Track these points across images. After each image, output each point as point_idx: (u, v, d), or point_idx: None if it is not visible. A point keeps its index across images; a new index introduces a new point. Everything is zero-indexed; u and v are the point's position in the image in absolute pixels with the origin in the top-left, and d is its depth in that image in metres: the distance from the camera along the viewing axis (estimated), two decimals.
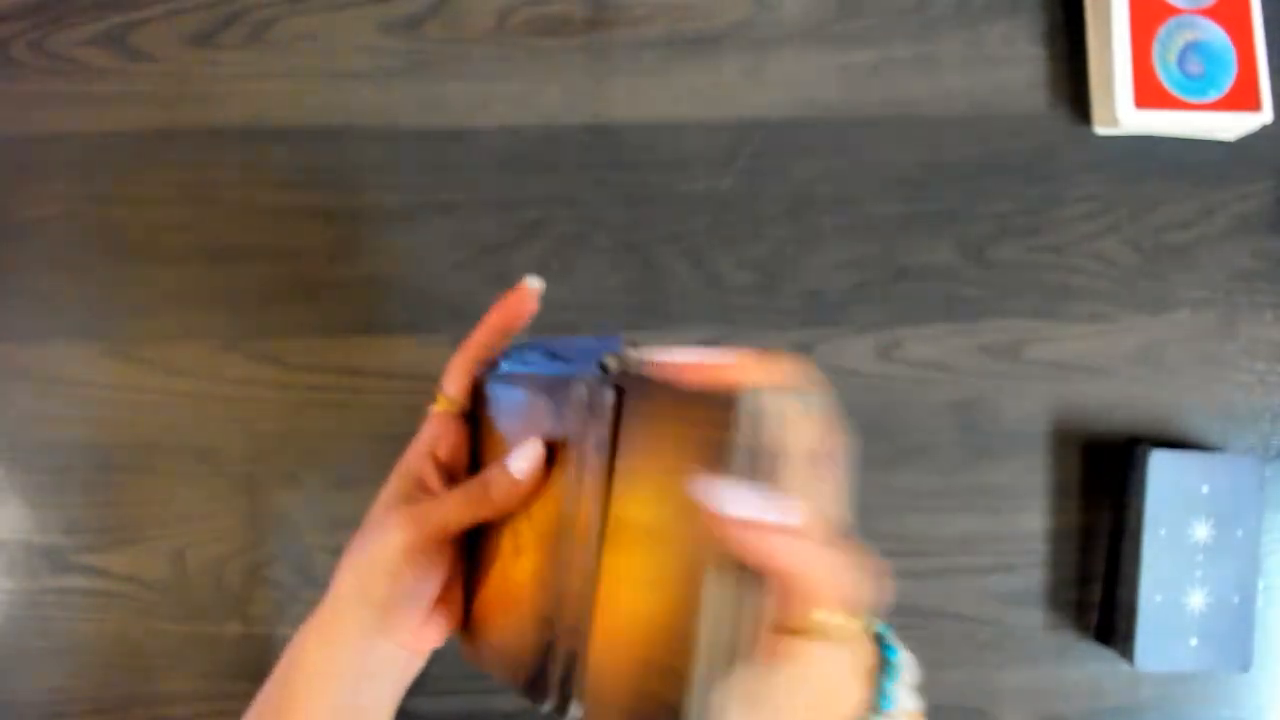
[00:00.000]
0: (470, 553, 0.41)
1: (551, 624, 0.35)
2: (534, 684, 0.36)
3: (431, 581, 0.39)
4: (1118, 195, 0.57)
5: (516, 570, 0.38)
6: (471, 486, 0.38)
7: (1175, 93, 0.55)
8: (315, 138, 0.56)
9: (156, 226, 0.56)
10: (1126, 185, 0.57)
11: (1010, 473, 0.56)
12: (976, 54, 0.58)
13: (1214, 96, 0.55)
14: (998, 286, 0.57)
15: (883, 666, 0.34)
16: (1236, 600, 0.53)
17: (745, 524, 0.28)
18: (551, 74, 0.57)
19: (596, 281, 0.56)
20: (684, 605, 0.30)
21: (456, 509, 0.38)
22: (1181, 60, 0.56)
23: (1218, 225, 0.57)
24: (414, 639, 0.39)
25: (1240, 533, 0.53)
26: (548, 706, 0.35)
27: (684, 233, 0.56)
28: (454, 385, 0.41)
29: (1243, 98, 0.55)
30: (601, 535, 0.34)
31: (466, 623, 0.41)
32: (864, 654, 0.33)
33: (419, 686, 0.47)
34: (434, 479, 0.41)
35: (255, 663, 0.54)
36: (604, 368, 0.36)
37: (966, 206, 0.57)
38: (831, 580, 0.29)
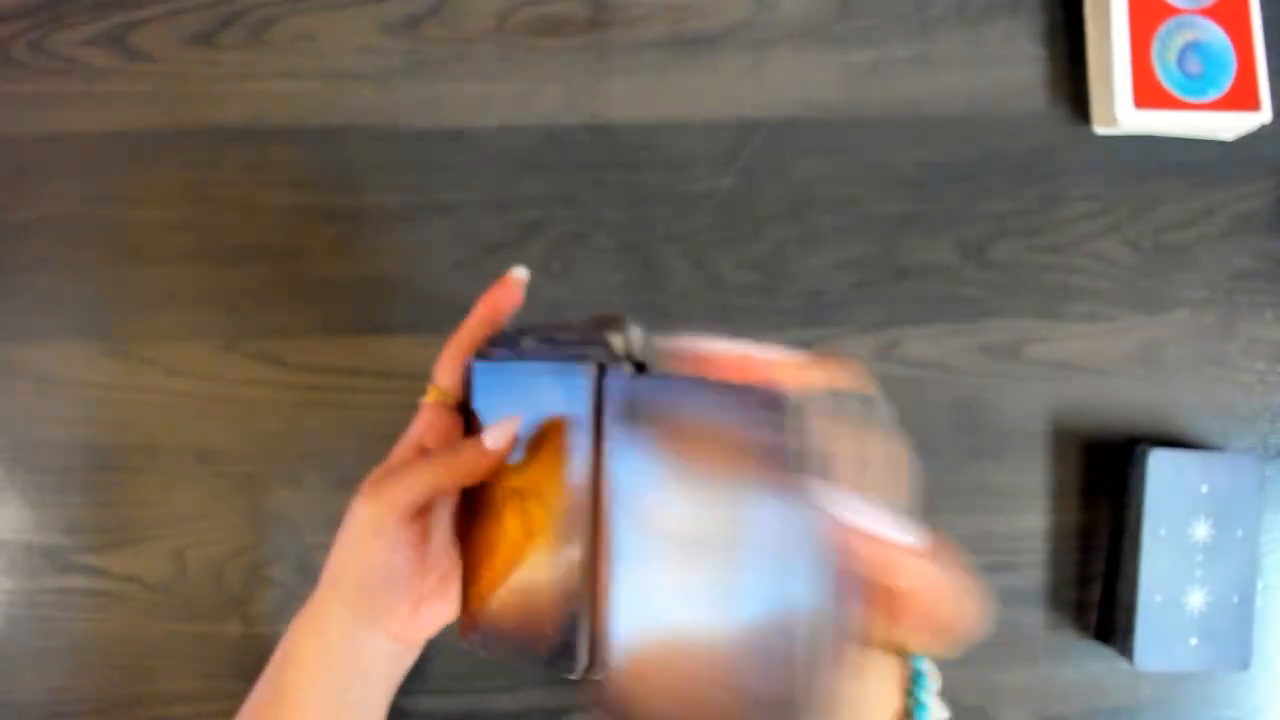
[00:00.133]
0: (466, 543, 0.41)
1: (577, 598, 0.36)
2: (561, 652, 0.36)
3: (400, 558, 0.38)
4: (1118, 195, 0.57)
5: (530, 551, 0.38)
6: (434, 456, 0.38)
7: (1175, 92, 0.55)
8: (315, 138, 0.56)
9: (156, 226, 0.56)
10: (1126, 185, 0.57)
11: (1010, 473, 0.56)
12: (976, 54, 0.58)
13: (1213, 96, 0.55)
14: (998, 286, 0.57)
15: (913, 676, 0.33)
16: (1236, 600, 0.53)
17: (874, 539, 0.27)
18: (551, 74, 0.57)
19: (596, 281, 0.56)
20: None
21: (417, 477, 0.38)
22: (1181, 60, 0.56)
23: (1218, 225, 0.57)
24: (404, 630, 0.39)
25: (1240, 532, 0.53)
26: (575, 672, 0.36)
27: (684, 233, 0.56)
28: (445, 376, 0.42)
29: (1242, 98, 0.55)
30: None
31: (465, 607, 0.41)
32: (896, 662, 0.33)
33: (419, 685, 0.47)
34: None
35: (255, 663, 0.53)
36: (608, 347, 0.36)
37: (966, 206, 0.57)
38: (939, 600, 0.28)
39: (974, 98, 0.58)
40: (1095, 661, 0.55)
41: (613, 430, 0.35)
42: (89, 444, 0.54)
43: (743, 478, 0.28)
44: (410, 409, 0.42)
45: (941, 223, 0.57)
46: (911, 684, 0.33)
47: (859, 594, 0.27)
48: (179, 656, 0.54)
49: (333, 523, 0.54)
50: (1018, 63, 0.58)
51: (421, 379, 0.55)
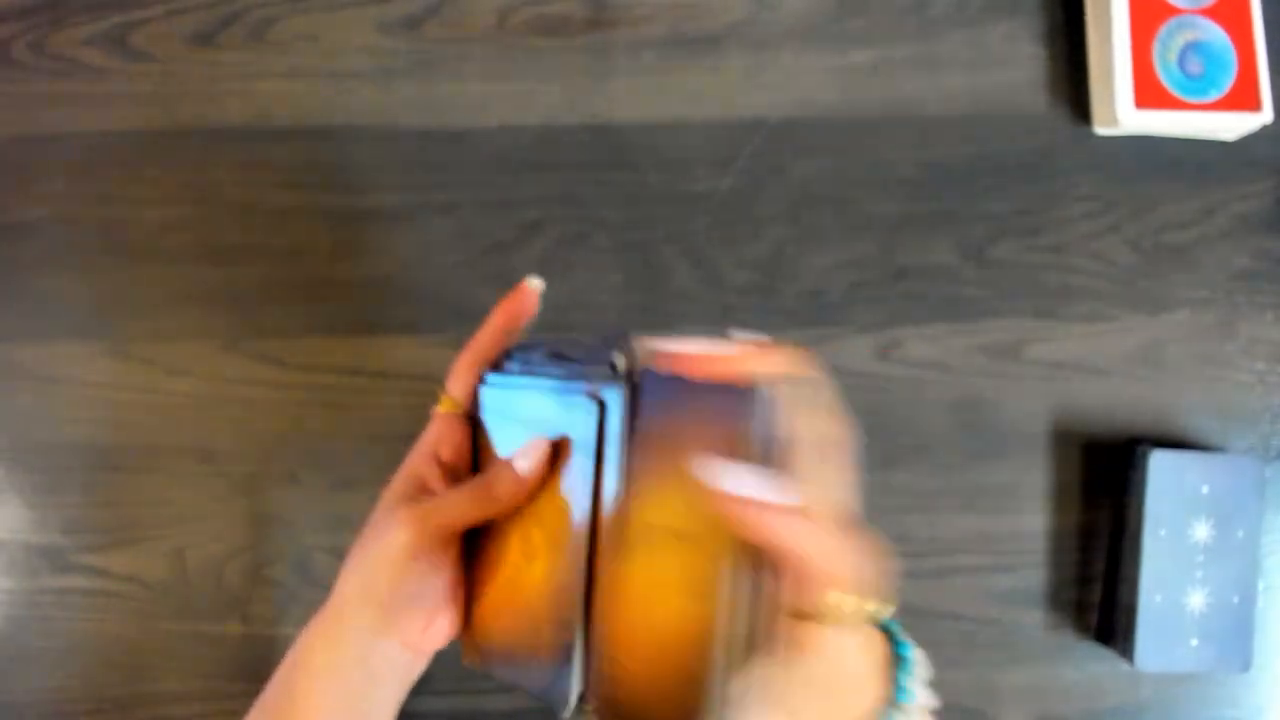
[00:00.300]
0: (470, 557, 0.41)
1: (570, 628, 0.35)
2: (550, 689, 0.36)
3: (435, 581, 0.39)
4: (1118, 195, 0.57)
5: (529, 575, 0.38)
6: (476, 484, 0.38)
7: (1175, 93, 0.55)
8: (315, 138, 0.56)
9: (156, 226, 0.56)
10: (1126, 185, 0.57)
11: (1010, 473, 0.56)
12: (976, 54, 0.58)
13: (1214, 96, 0.55)
14: (998, 286, 0.57)
15: (896, 661, 0.34)
16: (1236, 600, 0.53)
17: (745, 502, 0.28)
18: (551, 74, 0.57)
19: (596, 281, 0.56)
20: (700, 601, 0.30)
21: (460, 507, 0.38)
22: (1181, 60, 0.56)
23: (1218, 225, 0.57)
24: (419, 640, 0.40)
25: (1240, 533, 0.53)
26: (564, 710, 0.36)
27: (684, 233, 0.56)
28: (458, 386, 0.41)
29: (1243, 98, 0.55)
30: (619, 536, 0.34)
31: (468, 626, 0.41)
32: (878, 646, 0.34)
33: (419, 685, 0.47)
34: (436, 480, 0.41)
35: (255, 663, 0.54)
36: (613, 367, 0.36)
37: (966, 206, 0.57)
38: (839, 561, 0.30)
39: (974, 98, 0.58)
40: (1095, 662, 0.55)
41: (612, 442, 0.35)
42: (89, 444, 0.54)
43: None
44: (410, 409, 0.42)
45: (941, 223, 0.57)
46: (895, 669, 0.33)
47: (770, 568, 0.29)
48: (179, 656, 0.54)
49: (333, 523, 0.55)
50: (1018, 63, 0.58)
51: (422, 379, 0.55)
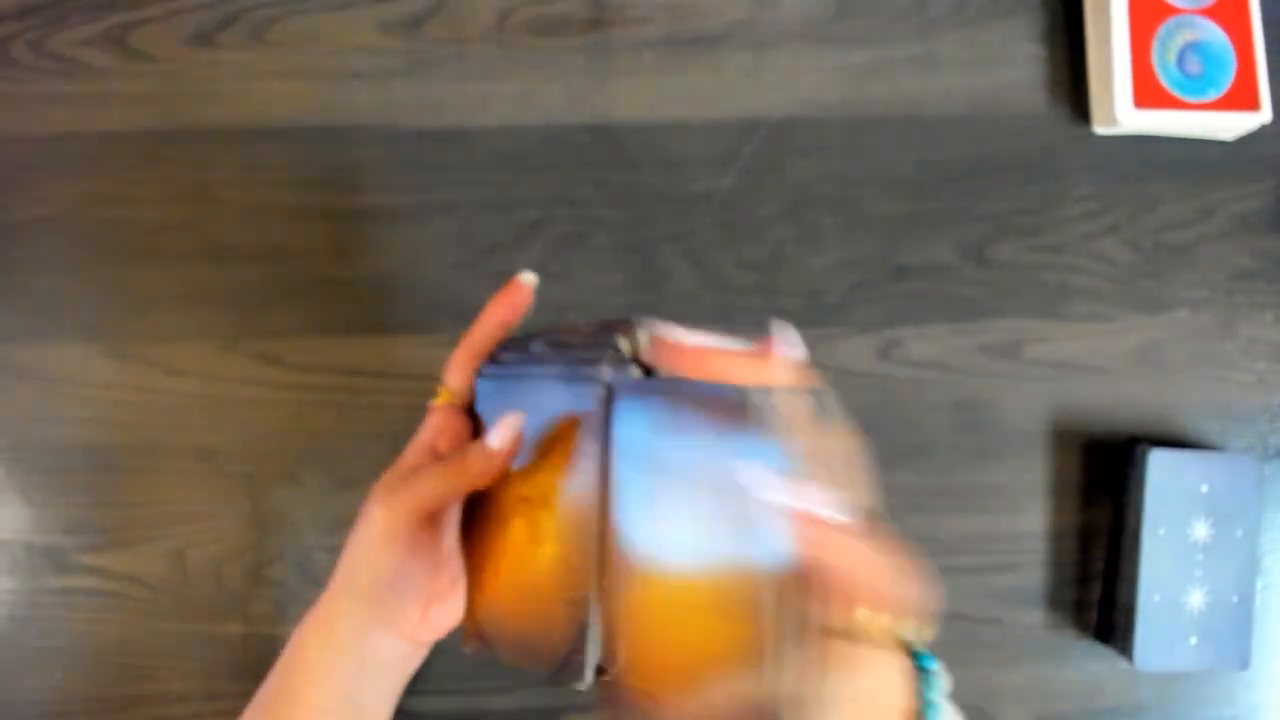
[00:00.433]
0: (470, 547, 0.41)
1: (584, 606, 0.36)
2: (565, 666, 0.36)
3: (415, 563, 0.39)
4: (1117, 195, 0.57)
5: (537, 558, 0.38)
6: (446, 461, 0.39)
7: (1175, 92, 0.55)
8: (315, 138, 0.56)
9: (156, 226, 0.56)
10: (1126, 185, 0.57)
11: (1010, 472, 0.56)
12: (976, 54, 0.58)
13: (1213, 96, 0.55)
14: (998, 286, 0.57)
15: (921, 676, 0.33)
16: (1235, 599, 0.53)
17: (809, 518, 0.28)
18: (551, 74, 0.57)
19: (596, 281, 0.56)
20: (734, 623, 0.30)
21: (431, 483, 0.38)
22: (1181, 60, 0.56)
23: (1218, 225, 0.57)
24: (414, 631, 0.39)
25: (1239, 532, 0.53)
26: (581, 685, 0.36)
27: (684, 233, 0.56)
28: (455, 379, 0.42)
29: (1242, 97, 0.55)
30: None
31: (470, 612, 0.41)
32: (906, 664, 0.33)
33: (419, 685, 0.47)
34: None
35: (255, 663, 0.53)
36: (617, 350, 0.36)
37: (966, 206, 0.57)
38: (874, 578, 0.30)
39: (974, 98, 0.58)
40: (1095, 661, 0.55)
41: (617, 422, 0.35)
42: (89, 444, 0.54)
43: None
44: (410, 409, 0.42)
45: (941, 223, 0.57)
46: (920, 683, 0.33)
47: (804, 582, 0.29)
48: (179, 656, 0.54)
49: (333, 523, 0.55)
50: (1018, 63, 0.58)
51: (422, 379, 0.55)
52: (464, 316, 0.44)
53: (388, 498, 0.38)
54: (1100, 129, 0.57)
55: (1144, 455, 0.53)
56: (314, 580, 0.54)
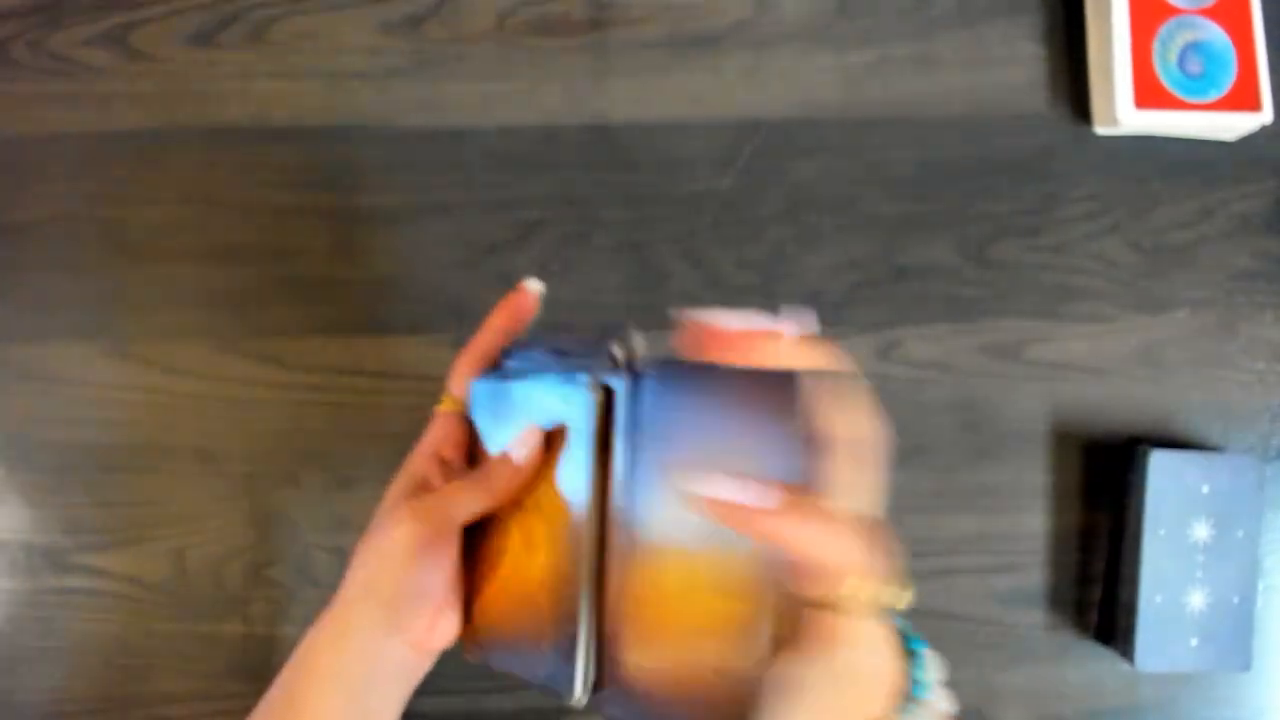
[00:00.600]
0: (469, 552, 0.41)
1: (574, 617, 0.35)
2: (555, 677, 0.36)
3: (438, 577, 0.39)
4: (1118, 195, 0.57)
5: (531, 566, 0.38)
6: (474, 477, 0.39)
7: (1175, 92, 0.55)
8: (315, 138, 0.56)
9: (156, 226, 0.56)
10: (1126, 185, 0.57)
11: (1010, 473, 0.56)
12: (976, 54, 0.58)
13: (1214, 96, 0.55)
14: (998, 286, 0.57)
15: (909, 656, 0.34)
16: (1236, 600, 0.53)
17: (730, 506, 0.29)
18: (551, 74, 0.57)
19: (596, 281, 0.56)
20: (732, 600, 0.30)
21: (460, 499, 0.38)
22: (1181, 60, 0.56)
23: (1218, 225, 0.57)
24: (425, 638, 0.40)
25: (1240, 533, 0.53)
26: (569, 699, 0.36)
27: (684, 233, 0.56)
28: (459, 385, 0.42)
29: (1243, 98, 0.55)
30: (637, 531, 0.34)
31: (469, 619, 0.41)
32: (893, 641, 0.34)
33: (422, 685, 0.46)
34: (439, 479, 0.41)
35: (255, 663, 0.54)
36: (612, 358, 0.36)
37: (966, 206, 0.57)
38: (847, 551, 0.30)
39: (974, 98, 0.58)
40: (1095, 662, 0.55)
41: (625, 427, 0.35)
42: (89, 444, 0.54)
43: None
44: (410, 409, 0.42)
45: (941, 223, 0.57)
46: (909, 664, 0.34)
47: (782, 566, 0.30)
48: (179, 656, 0.54)
49: (333, 523, 0.55)
50: (1018, 63, 0.58)
51: (422, 379, 0.55)
52: (464, 317, 0.44)
53: (416, 514, 0.38)
54: (1101, 129, 0.57)
55: (1145, 456, 0.53)
56: (313, 580, 0.54)
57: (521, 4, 0.57)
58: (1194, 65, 0.56)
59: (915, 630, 0.36)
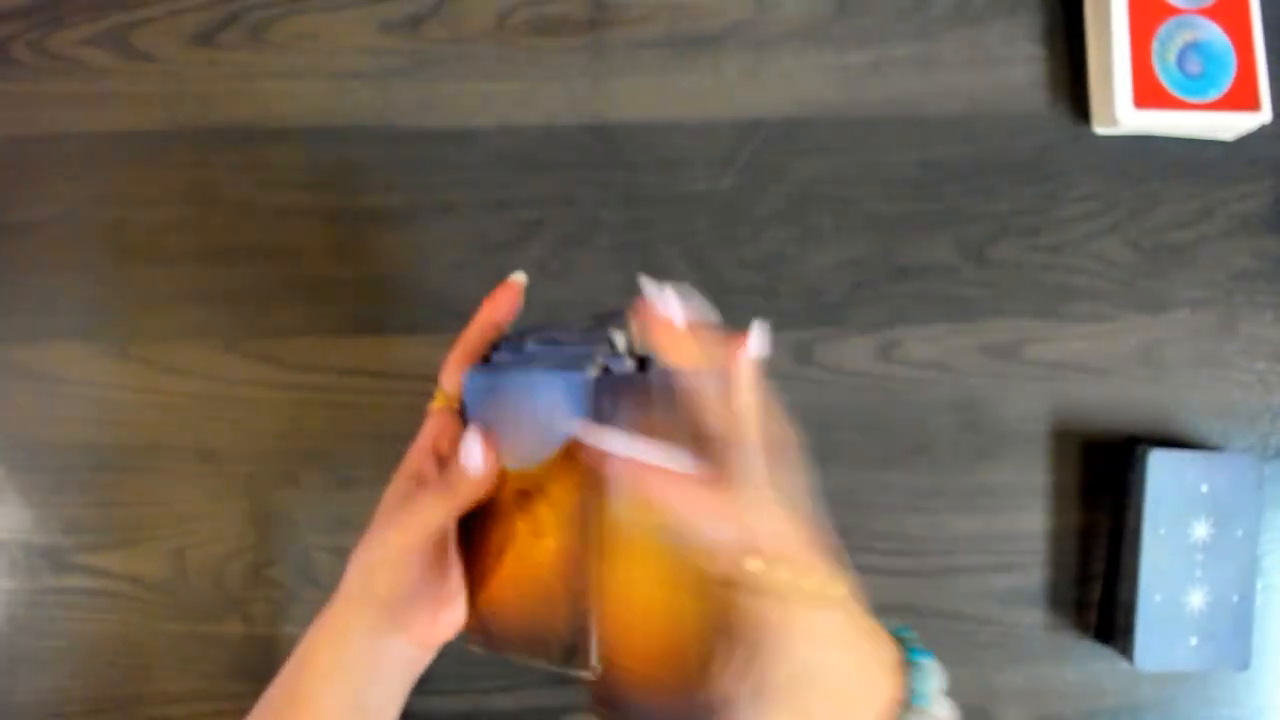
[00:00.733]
0: (470, 545, 0.41)
1: (585, 597, 0.36)
2: (572, 655, 0.37)
3: (433, 576, 0.39)
4: (1117, 195, 0.57)
5: (538, 552, 0.39)
6: (439, 483, 0.39)
7: (1175, 92, 0.55)
8: (315, 138, 0.56)
9: (156, 226, 0.56)
10: (1126, 185, 0.57)
11: (1010, 473, 0.56)
12: (976, 54, 0.58)
13: (1213, 96, 0.55)
14: (998, 286, 0.57)
15: (910, 668, 0.34)
16: (1236, 599, 0.53)
17: (630, 464, 0.32)
18: (551, 74, 0.57)
19: (596, 281, 0.56)
20: (674, 591, 0.32)
21: (430, 509, 0.39)
22: (1181, 60, 0.56)
23: (1218, 225, 0.57)
24: (427, 634, 0.40)
25: (1239, 532, 0.53)
26: (588, 670, 0.37)
27: (684, 233, 0.56)
28: (451, 381, 0.42)
29: (1242, 97, 0.55)
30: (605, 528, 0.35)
31: (474, 610, 0.41)
32: (888, 651, 0.34)
33: (419, 685, 0.46)
34: (434, 475, 0.41)
35: (255, 663, 0.54)
36: (612, 344, 0.37)
37: (966, 206, 0.57)
38: (739, 529, 0.31)
39: (974, 98, 0.58)
40: (1095, 661, 0.55)
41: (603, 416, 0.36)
42: (89, 444, 0.54)
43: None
44: (410, 409, 0.42)
45: (941, 223, 0.57)
46: (907, 674, 0.34)
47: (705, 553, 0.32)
48: (179, 656, 0.54)
49: (333, 523, 0.55)
50: (1018, 63, 0.58)
51: (421, 379, 0.55)
52: (464, 317, 0.44)
53: (399, 523, 0.38)
54: (1100, 129, 0.57)
55: (1144, 455, 0.53)
56: (313, 580, 0.54)
57: (521, 4, 0.57)
58: (1193, 65, 0.56)
59: (918, 642, 0.37)
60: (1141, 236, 0.57)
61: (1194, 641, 0.52)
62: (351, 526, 0.44)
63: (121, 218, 0.56)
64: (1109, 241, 0.57)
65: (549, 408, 0.38)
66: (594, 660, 0.37)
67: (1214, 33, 0.56)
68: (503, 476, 0.40)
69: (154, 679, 0.54)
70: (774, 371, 0.43)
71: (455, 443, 0.42)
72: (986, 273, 0.57)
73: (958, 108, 0.57)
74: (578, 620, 0.37)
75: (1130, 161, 0.57)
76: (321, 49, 0.57)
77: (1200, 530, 0.53)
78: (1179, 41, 0.56)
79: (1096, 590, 0.55)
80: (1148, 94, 0.55)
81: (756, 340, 0.37)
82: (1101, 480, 0.56)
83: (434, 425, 0.42)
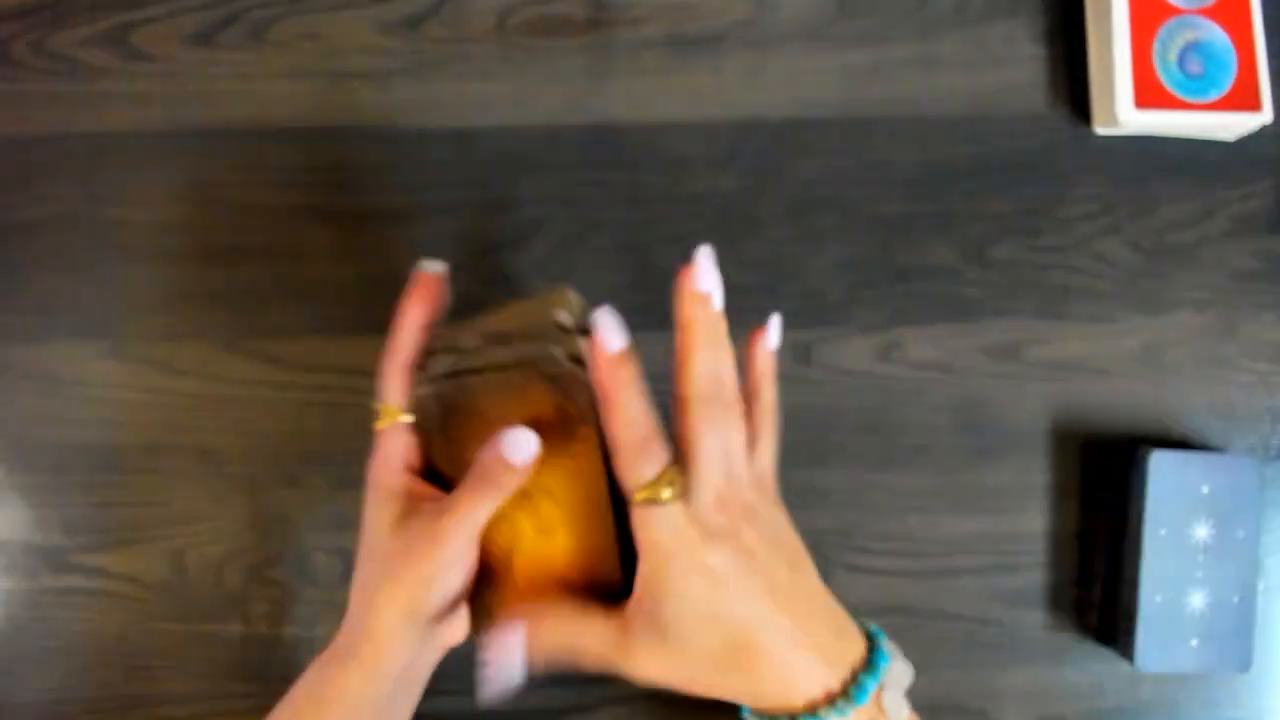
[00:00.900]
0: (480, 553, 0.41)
1: (614, 583, 0.38)
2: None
3: (464, 580, 0.40)
4: (1118, 195, 0.57)
5: (551, 547, 0.39)
6: (475, 484, 0.38)
7: (1175, 93, 0.55)
8: (315, 138, 0.56)
9: (156, 226, 0.56)
10: (1126, 185, 0.57)
11: (1010, 473, 0.56)
12: (976, 54, 0.58)
13: (1214, 96, 0.55)
14: (998, 286, 0.57)
15: (868, 665, 0.36)
16: (1237, 600, 0.53)
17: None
18: (551, 74, 0.57)
19: (596, 281, 0.56)
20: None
21: (475, 507, 0.38)
22: (1181, 60, 0.56)
23: (1218, 225, 0.57)
24: (451, 635, 0.40)
25: (1241, 533, 0.53)
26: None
27: (684, 233, 0.56)
28: (394, 395, 0.41)
29: (1243, 98, 0.55)
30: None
31: (486, 617, 0.41)
32: (853, 649, 0.37)
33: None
34: (422, 487, 0.41)
35: (255, 663, 0.53)
36: (561, 327, 0.37)
37: (966, 206, 0.57)
38: (612, 417, 0.35)
39: (974, 98, 0.58)
40: (1095, 662, 0.55)
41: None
42: (89, 444, 0.54)
43: None
44: None
45: (941, 223, 0.57)
46: (861, 670, 0.36)
47: None
48: (179, 656, 0.54)
49: (333, 523, 0.55)
50: (1018, 63, 0.58)
51: None
52: (464, 317, 0.44)
53: (442, 527, 0.38)
54: (1101, 129, 0.57)
55: (1145, 456, 0.53)
56: (314, 580, 0.54)
57: (521, 4, 0.57)
58: (1194, 65, 0.55)
59: (888, 643, 0.39)
60: (1142, 237, 0.57)
61: (1195, 643, 0.52)
62: (351, 526, 0.44)
63: (121, 218, 0.56)
64: (1110, 242, 0.57)
65: (540, 401, 0.38)
66: None
67: (1215, 33, 0.56)
68: None
69: (154, 679, 0.54)
70: (774, 371, 0.44)
71: (418, 456, 0.42)
72: (987, 273, 0.57)
73: (958, 108, 0.57)
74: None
75: (1131, 162, 0.57)
76: (321, 49, 0.57)
77: (1201, 531, 0.53)
78: (1180, 41, 0.56)
79: (1097, 591, 0.55)
80: (1148, 94, 0.55)
81: (774, 333, 0.41)
82: (1102, 481, 0.56)
83: (394, 441, 0.41)
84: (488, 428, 0.38)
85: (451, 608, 0.39)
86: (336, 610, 0.42)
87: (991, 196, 0.57)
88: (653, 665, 0.35)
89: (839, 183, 0.57)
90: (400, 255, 0.56)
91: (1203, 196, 0.57)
